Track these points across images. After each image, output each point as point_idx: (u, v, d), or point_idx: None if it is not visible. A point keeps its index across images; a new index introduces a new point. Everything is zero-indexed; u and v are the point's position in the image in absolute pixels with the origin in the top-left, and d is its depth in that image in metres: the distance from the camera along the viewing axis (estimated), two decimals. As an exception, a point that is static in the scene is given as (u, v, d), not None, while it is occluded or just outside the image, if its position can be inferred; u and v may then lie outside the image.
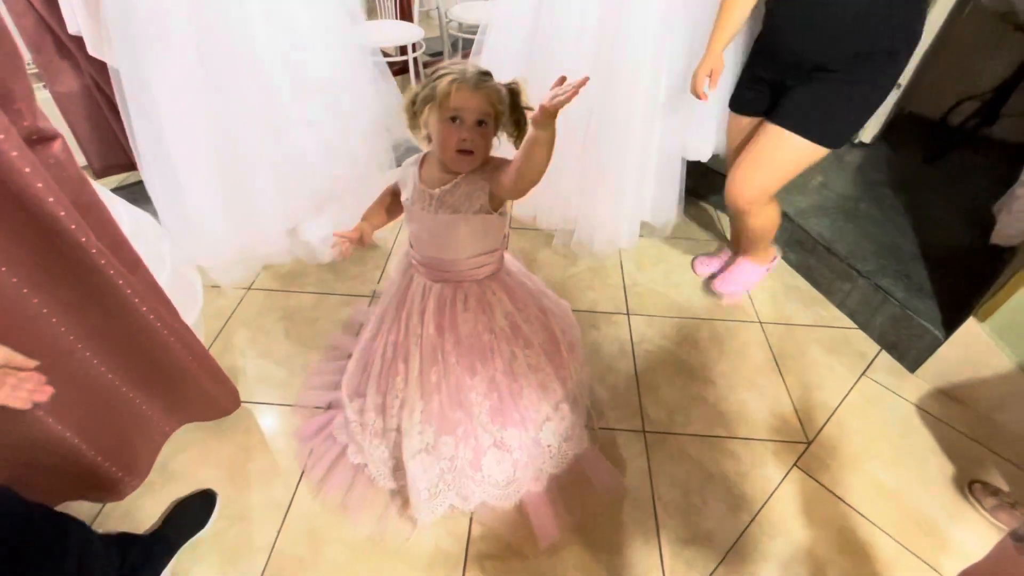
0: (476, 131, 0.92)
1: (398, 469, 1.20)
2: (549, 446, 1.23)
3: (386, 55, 3.06)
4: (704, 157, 1.75)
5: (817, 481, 1.33)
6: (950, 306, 1.56)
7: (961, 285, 1.63)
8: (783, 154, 1.26)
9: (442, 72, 0.92)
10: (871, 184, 2.12)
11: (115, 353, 1.09)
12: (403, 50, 2.65)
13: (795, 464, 1.36)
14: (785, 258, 1.96)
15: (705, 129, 1.68)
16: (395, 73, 3.07)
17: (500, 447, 1.18)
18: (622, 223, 1.76)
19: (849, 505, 1.29)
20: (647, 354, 1.62)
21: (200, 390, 1.26)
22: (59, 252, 0.87)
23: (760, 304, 1.80)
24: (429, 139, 0.99)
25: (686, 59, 1.51)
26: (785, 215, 1.94)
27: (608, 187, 1.68)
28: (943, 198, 2.07)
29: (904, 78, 2.14)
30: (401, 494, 1.21)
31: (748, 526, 1.24)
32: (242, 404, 1.40)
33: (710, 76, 1.38)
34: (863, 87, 1.17)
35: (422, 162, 1.05)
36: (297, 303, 1.72)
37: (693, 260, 1.93)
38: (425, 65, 2.89)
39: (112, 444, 1.15)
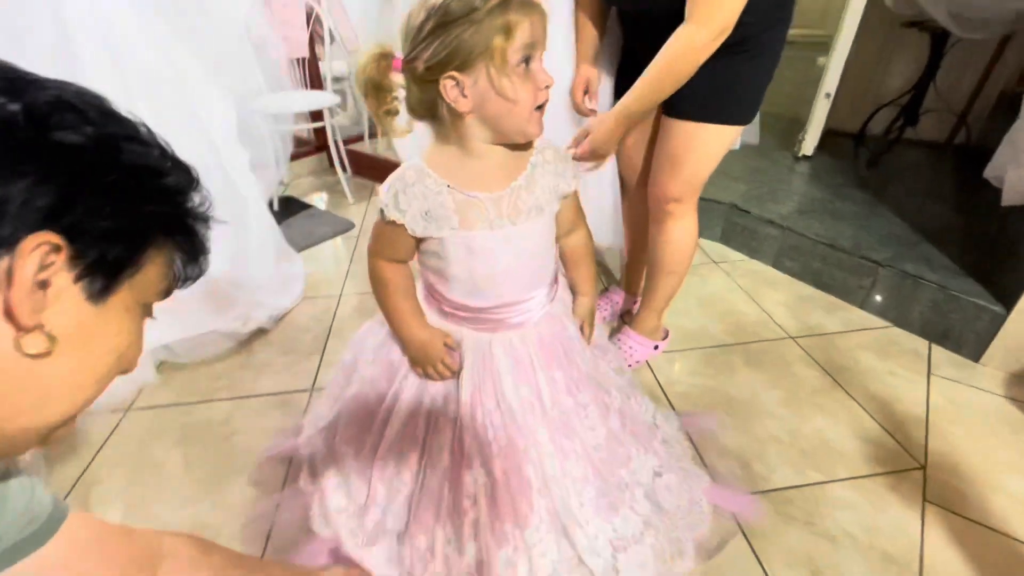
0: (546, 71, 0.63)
1: None
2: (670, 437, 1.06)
3: (301, 141, 2.81)
4: None
5: (960, 515, 0.99)
6: (993, 278, 1.40)
7: (996, 254, 1.48)
8: (702, 144, 1.12)
9: (474, 5, 0.57)
10: (834, 187, 2.05)
11: None
12: (318, 124, 2.39)
13: (925, 500, 1.02)
14: (784, 268, 1.77)
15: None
16: (308, 153, 2.80)
17: (661, 471, 0.94)
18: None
19: (1015, 539, 0.95)
20: (683, 396, 1.27)
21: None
22: None
23: (781, 319, 1.55)
24: (447, 116, 0.65)
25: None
26: (772, 223, 1.78)
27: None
28: (907, 188, 2.03)
29: (831, 88, 2.19)
30: None
31: (918, 604, 0.86)
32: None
33: (587, 88, 1.21)
34: (750, 62, 1.04)
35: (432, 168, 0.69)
36: (202, 417, 1.21)
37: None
38: (346, 143, 2.64)
39: None
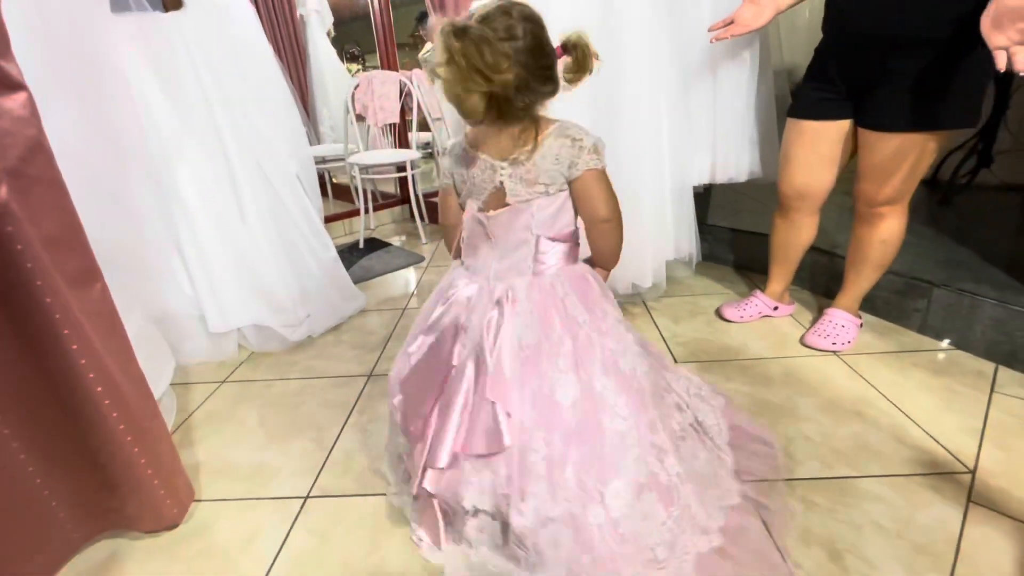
0: None
1: None
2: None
3: (385, 195, 3.23)
4: (740, 177, 1.65)
5: (1009, 516, 0.92)
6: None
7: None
8: (919, 155, 1.13)
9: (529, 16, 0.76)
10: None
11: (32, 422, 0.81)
12: (402, 174, 2.78)
13: (969, 500, 0.96)
14: (831, 295, 1.73)
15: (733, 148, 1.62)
16: (393, 204, 3.18)
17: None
18: (645, 261, 1.57)
19: (1080, 545, 0.86)
20: (714, 399, 1.29)
21: (145, 488, 0.91)
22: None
23: (828, 339, 1.52)
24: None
25: (679, 78, 1.51)
26: (815, 249, 1.78)
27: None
28: (979, 224, 1.95)
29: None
30: None
31: (949, 592, 0.80)
32: (194, 502, 1.03)
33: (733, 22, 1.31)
34: (973, 53, 1.01)
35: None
36: (279, 391, 1.43)
37: (719, 308, 1.69)
38: (425, 196, 2.98)
39: None
